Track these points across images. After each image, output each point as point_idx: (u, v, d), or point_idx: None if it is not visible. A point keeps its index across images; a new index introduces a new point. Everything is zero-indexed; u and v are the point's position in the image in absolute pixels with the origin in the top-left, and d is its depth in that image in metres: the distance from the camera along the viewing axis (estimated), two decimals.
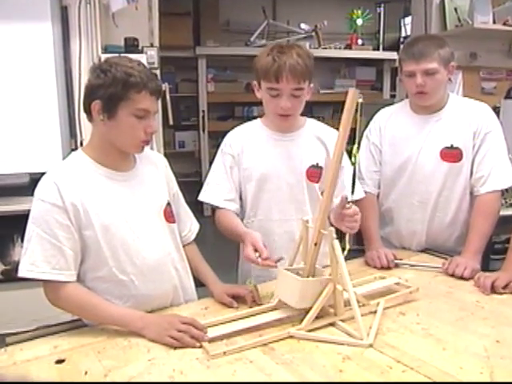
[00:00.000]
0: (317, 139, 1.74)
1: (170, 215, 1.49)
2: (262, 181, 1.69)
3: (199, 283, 1.63)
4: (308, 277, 1.34)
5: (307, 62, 1.57)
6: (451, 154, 1.84)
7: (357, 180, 1.47)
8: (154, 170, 1.51)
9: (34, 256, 1.27)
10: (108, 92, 1.29)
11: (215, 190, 1.71)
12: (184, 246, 1.56)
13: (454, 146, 1.84)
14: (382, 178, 1.98)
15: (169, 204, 1.49)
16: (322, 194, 1.38)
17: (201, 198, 1.73)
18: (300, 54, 1.56)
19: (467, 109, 1.87)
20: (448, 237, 1.93)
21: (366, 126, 2.04)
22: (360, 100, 1.29)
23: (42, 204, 1.28)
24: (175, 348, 1.19)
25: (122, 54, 1.50)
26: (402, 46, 1.92)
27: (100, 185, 1.35)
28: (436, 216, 1.90)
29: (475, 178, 1.85)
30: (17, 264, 2.65)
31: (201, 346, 1.19)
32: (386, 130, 1.96)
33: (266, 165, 1.69)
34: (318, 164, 1.71)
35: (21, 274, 1.28)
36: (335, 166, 1.31)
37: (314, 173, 1.71)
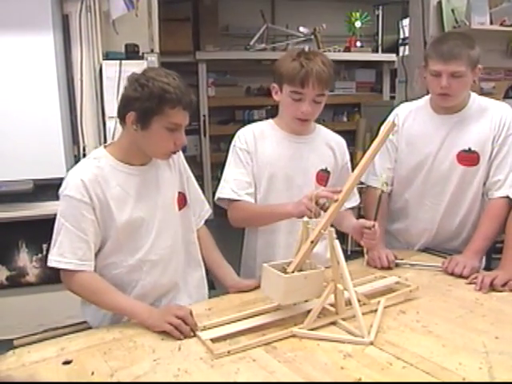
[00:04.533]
0: (326, 144, 1.79)
1: (182, 201, 1.59)
2: (273, 180, 1.73)
3: (210, 285, 1.70)
4: (293, 272, 1.34)
5: (330, 70, 1.62)
6: (468, 158, 1.82)
7: (355, 189, 1.54)
8: (169, 160, 1.57)
9: (62, 248, 1.38)
10: (144, 106, 1.36)
11: (234, 185, 1.71)
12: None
13: (472, 149, 1.81)
14: (396, 176, 1.96)
15: (181, 192, 1.59)
16: None
17: (220, 195, 1.72)
18: (325, 62, 1.61)
19: (488, 110, 1.83)
20: (456, 237, 1.93)
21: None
22: (395, 129, 1.45)
23: (70, 200, 1.38)
24: (179, 348, 1.22)
25: (155, 66, 1.56)
26: (429, 42, 1.82)
27: (121, 181, 1.45)
28: (446, 217, 1.89)
29: (491, 181, 1.82)
30: (22, 269, 2.67)
31: (194, 335, 1.26)
32: (404, 128, 1.92)
33: (278, 165, 1.72)
34: (326, 168, 1.76)
35: (50, 264, 1.38)
36: (351, 186, 1.39)
37: (323, 176, 1.75)
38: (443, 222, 1.91)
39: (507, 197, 1.78)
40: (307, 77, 1.58)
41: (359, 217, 1.92)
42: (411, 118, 1.93)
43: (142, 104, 1.36)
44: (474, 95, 1.88)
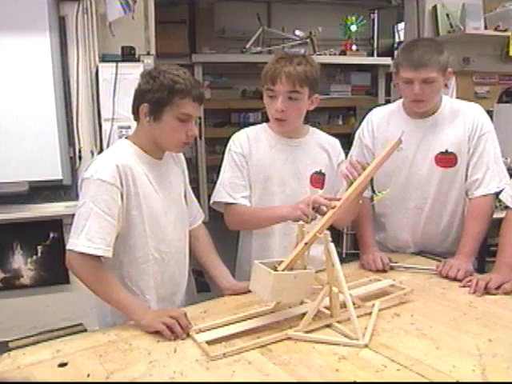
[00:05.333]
0: (320, 147, 1.79)
1: (185, 198, 1.65)
2: (267, 183, 1.73)
3: (205, 287, 1.70)
4: (284, 271, 1.33)
5: (307, 69, 1.62)
6: (446, 160, 1.84)
7: None
8: (175, 159, 1.64)
9: (91, 233, 1.35)
10: (155, 97, 1.42)
11: (230, 189, 1.72)
12: (192, 230, 1.69)
13: (449, 151, 1.83)
14: (375, 181, 1.93)
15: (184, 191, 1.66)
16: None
17: (215, 198, 1.74)
18: (301, 62, 1.62)
19: (460, 111, 1.86)
20: (443, 239, 1.95)
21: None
22: (400, 146, 1.47)
23: (102, 184, 1.38)
24: (175, 351, 1.22)
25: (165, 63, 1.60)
26: (399, 49, 1.82)
27: (146, 171, 1.48)
28: (432, 220, 1.91)
29: (470, 181, 1.85)
30: (17, 271, 2.64)
31: (188, 335, 1.28)
32: (379, 132, 1.94)
33: (272, 168, 1.73)
34: (321, 171, 1.77)
35: (77, 248, 1.34)
36: (351, 196, 1.40)
37: (318, 179, 1.75)
38: (429, 225, 1.92)
39: (488, 194, 1.81)
40: (276, 74, 1.61)
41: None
42: (385, 122, 1.94)
43: (153, 95, 1.42)
44: (445, 98, 1.90)
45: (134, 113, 1.50)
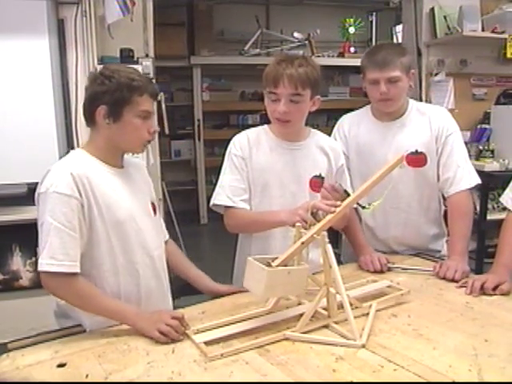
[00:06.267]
0: (320, 150, 1.80)
1: (153, 208, 1.58)
2: (267, 187, 1.73)
3: (196, 291, 1.68)
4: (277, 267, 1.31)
5: (309, 71, 1.62)
6: (416, 159, 1.90)
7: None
8: (137, 170, 1.59)
9: (52, 249, 1.29)
10: (114, 97, 1.37)
11: (230, 192, 1.72)
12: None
13: (419, 151, 1.90)
14: (352, 185, 1.94)
15: (151, 202, 1.60)
16: None
17: (215, 201, 1.73)
18: (302, 64, 1.62)
19: (427, 114, 1.94)
20: (423, 236, 2.00)
21: None
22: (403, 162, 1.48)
23: (59, 197, 1.30)
24: (173, 351, 1.22)
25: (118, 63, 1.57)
26: (364, 54, 1.93)
27: (106, 180, 1.41)
28: (409, 218, 1.96)
29: (442, 180, 1.92)
30: (16, 272, 2.65)
31: (187, 336, 1.28)
32: (350, 137, 1.99)
33: (272, 172, 1.73)
34: (320, 174, 1.77)
35: (42, 268, 1.30)
36: (349, 203, 1.43)
37: (317, 183, 1.75)
38: (407, 223, 1.96)
39: (462, 191, 1.87)
40: (278, 76, 1.61)
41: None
42: (355, 125, 2.00)
43: (111, 96, 1.37)
44: (412, 101, 1.98)
45: (87, 118, 1.43)
